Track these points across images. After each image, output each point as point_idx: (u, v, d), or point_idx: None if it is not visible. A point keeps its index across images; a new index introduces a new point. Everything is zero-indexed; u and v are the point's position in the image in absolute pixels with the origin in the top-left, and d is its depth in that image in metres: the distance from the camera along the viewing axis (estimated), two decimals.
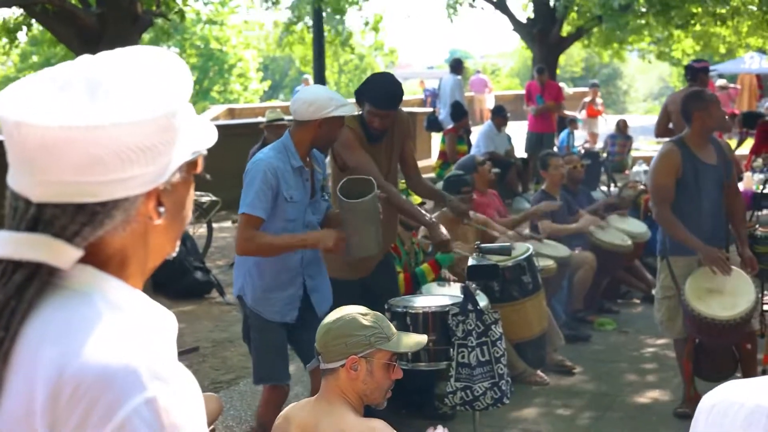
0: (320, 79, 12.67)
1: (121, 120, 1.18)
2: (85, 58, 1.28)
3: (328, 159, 4.94)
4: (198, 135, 1.33)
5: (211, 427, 4.56)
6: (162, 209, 1.28)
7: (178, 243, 1.39)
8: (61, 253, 1.21)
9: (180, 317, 6.93)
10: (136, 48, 1.31)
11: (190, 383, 1.26)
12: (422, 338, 3.20)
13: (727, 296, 5.38)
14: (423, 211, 5.26)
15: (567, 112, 17.87)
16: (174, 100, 1.25)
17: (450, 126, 12.66)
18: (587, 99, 20.47)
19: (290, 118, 4.55)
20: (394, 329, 3.08)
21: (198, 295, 7.73)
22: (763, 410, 1.86)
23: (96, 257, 1.26)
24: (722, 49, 23.00)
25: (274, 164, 4.23)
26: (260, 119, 17.04)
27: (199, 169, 1.36)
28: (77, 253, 1.22)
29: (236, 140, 10.18)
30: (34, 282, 1.22)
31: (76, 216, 1.21)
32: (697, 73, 9.37)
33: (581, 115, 19.50)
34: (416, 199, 6.20)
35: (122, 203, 1.23)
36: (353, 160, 4.87)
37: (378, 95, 4.92)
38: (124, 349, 1.19)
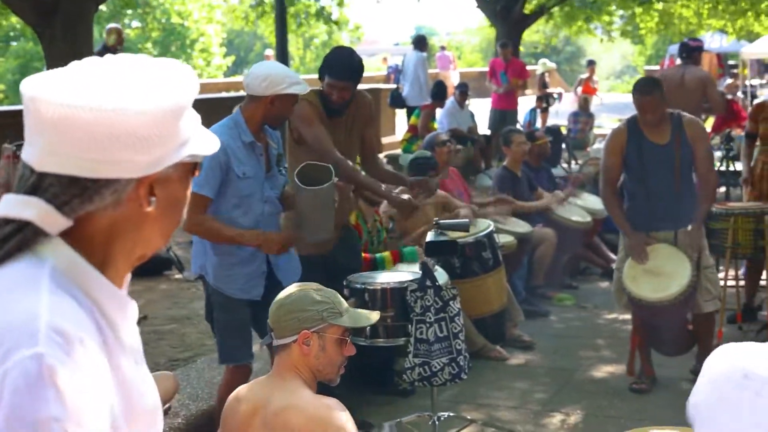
0: (282, 54, 12.54)
1: (124, 107, 1.30)
2: (109, 56, 1.41)
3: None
4: (198, 141, 1.43)
5: (167, 405, 4.54)
6: (153, 199, 1.38)
7: (169, 240, 1.47)
8: (49, 218, 1.32)
9: (138, 294, 6.88)
10: (153, 58, 1.43)
11: (102, 370, 1.29)
12: (374, 314, 3.19)
13: (663, 278, 5.42)
14: (379, 183, 5.23)
15: (549, 90, 17.94)
16: (175, 99, 1.37)
17: (427, 102, 12.64)
18: (584, 76, 20.43)
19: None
20: (347, 305, 3.07)
21: (156, 271, 7.66)
22: (742, 369, 1.91)
23: (82, 231, 1.35)
24: (683, 29, 23.15)
25: (224, 141, 4.14)
26: (223, 95, 16.98)
27: (197, 174, 1.46)
28: (65, 222, 1.33)
29: (198, 115, 10.09)
30: (17, 236, 1.33)
31: (69, 187, 1.32)
32: (692, 51, 9.43)
33: (577, 92, 19.52)
34: None
35: (113, 184, 1.33)
36: (310, 134, 4.83)
37: (335, 66, 4.90)
38: (34, 310, 1.26)
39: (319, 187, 4.27)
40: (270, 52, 23.80)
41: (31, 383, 1.20)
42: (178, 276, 7.65)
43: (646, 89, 5.46)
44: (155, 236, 1.44)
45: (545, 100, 17.51)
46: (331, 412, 2.84)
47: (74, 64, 1.38)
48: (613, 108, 20.44)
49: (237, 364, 4.34)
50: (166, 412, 4.59)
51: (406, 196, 5.24)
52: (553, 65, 22.15)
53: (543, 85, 19.61)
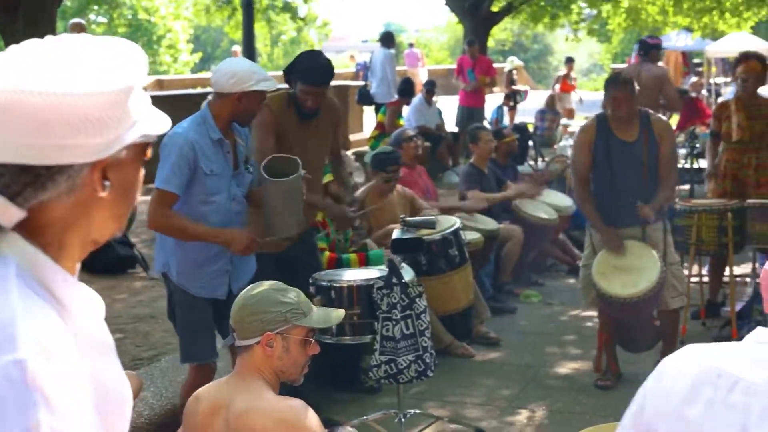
0: (249, 50, 12.48)
1: (72, 90, 1.26)
2: (51, 37, 1.37)
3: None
4: (149, 121, 1.40)
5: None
6: (107, 183, 1.34)
7: (124, 224, 1.44)
8: (2, 210, 1.27)
9: (101, 292, 6.78)
10: (99, 37, 1.40)
11: (78, 367, 1.27)
12: (339, 313, 3.17)
13: (632, 275, 5.45)
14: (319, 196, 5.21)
15: (516, 87, 17.95)
16: (126, 79, 1.33)
17: (393, 99, 12.62)
18: (561, 73, 20.44)
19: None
20: (311, 305, 3.05)
21: (120, 269, 7.59)
22: (714, 369, 1.93)
23: (37, 222, 1.31)
24: (650, 26, 23.30)
25: (192, 137, 4.14)
26: (190, 91, 16.87)
27: (149, 155, 1.42)
28: (19, 213, 1.29)
29: (164, 112, 10.00)
30: None
31: (20, 176, 1.27)
32: (649, 48, 9.51)
33: (555, 89, 19.55)
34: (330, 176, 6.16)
35: (66, 170, 1.29)
36: (256, 141, 4.73)
37: (310, 72, 4.84)
38: (7, 314, 1.23)
39: (285, 179, 4.25)
40: (237, 48, 23.68)
41: (16, 390, 1.17)
42: (142, 274, 7.58)
43: (618, 85, 5.51)
44: (110, 221, 1.40)
45: (513, 97, 17.55)
46: (297, 413, 2.82)
47: (16, 48, 1.33)
48: (581, 106, 20.49)
49: (200, 363, 4.30)
50: None
51: (342, 209, 5.21)
52: (520, 63, 22.20)
53: (510, 82, 19.66)
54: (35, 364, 1.19)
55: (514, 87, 18.84)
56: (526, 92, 20.08)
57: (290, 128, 4.88)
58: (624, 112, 5.49)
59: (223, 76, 4.19)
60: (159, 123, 1.42)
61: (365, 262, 5.74)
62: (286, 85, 4.99)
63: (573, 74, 20.32)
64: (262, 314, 2.90)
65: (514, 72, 20.39)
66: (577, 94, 20.48)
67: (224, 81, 4.18)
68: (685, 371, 1.97)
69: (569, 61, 20.99)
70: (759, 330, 1.99)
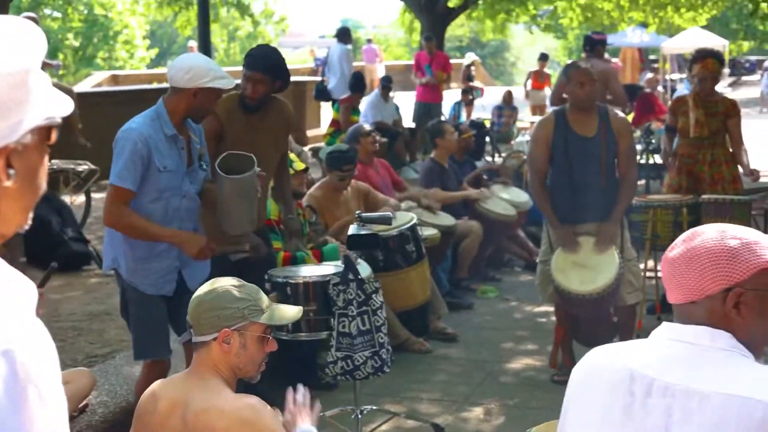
0: (205, 46, 12.38)
1: None
2: None
3: None
4: (52, 103, 1.33)
5: (84, 402, 4.44)
6: (12, 171, 1.26)
7: (31, 215, 1.36)
8: None
9: (56, 289, 6.73)
10: None
11: (48, 344, 1.25)
12: (297, 310, 3.14)
13: (590, 271, 5.47)
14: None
15: (476, 84, 17.99)
16: (26, 59, 1.26)
17: (345, 95, 12.58)
18: (533, 69, 20.46)
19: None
20: (268, 301, 3.02)
21: (75, 266, 7.50)
22: (627, 372, 1.92)
23: None
24: (606, 21, 23.49)
25: (145, 133, 4.09)
26: (146, 87, 16.72)
27: (53, 139, 1.34)
28: None
29: (119, 108, 9.89)
30: None
31: None
32: (595, 44, 9.59)
33: (527, 86, 19.59)
34: (300, 165, 6.13)
35: None
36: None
37: (251, 57, 4.84)
38: None
39: (240, 176, 4.21)
40: (193, 43, 23.51)
41: (9, 381, 1.14)
42: (97, 271, 7.50)
43: (581, 66, 5.61)
44: (16, 212, 1.31)
45: (470, 92, 17.60)
46: (256, 412, 2.79)
47: None
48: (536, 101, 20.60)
49: (154, 360, 4.26)
50: (83, 410, 4.49)
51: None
52: (477, 58, 22.30)
53: (468, 78, 19.72)
54: (22, 354, 1.16)
55: (471, 83, 18.91)
56: (482, 90, 20.16)
57: (239, 127, 4.84)
58: (586, 92, 5.47)
59: (179, 71, 4.14)
60: (62, 105, 1.35)
61: (320, 258, 5.72)
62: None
63: (547, 70, 20.23)
64: (220, 310, 2.87)
65: (472, 68, 20.48)
66: (551, 89, 20.47)
67: (180, 76, 4.14)
68: (601, 377, 1.96)
69: (543, 58, 20.87)
70: (665, 325, 1.98)
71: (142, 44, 36.62)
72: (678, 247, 1.97)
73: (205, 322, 2.88)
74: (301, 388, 3.05)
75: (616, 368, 1.94)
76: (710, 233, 1.93)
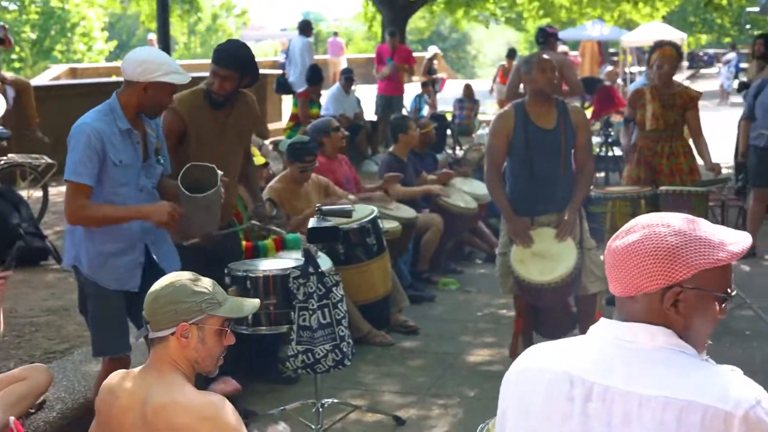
0: (165, 39, 12.28)
1: None
2: None
3: None
4: None
5: (41, 398, 4.39)
6: None
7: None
8: None
9: (13, 285, 6.62)
10: None
11: None
12: (255, 303, 3.13)
13: (549, 261, 5.52)
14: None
15: (435, 76, 17.96)
16: None
17: (303, 88, 12.53)
18: (503, 62, 20.42)
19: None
20: (226, 295, 3.01)
21: (32, 261, 7.41)
22: (566, 375, 1.89)
23: None
24: (564, 17, 23.63)
25: (99, 127, 4.04)
26: (104, 80, 16.55)
27: None
28: None
29: (77, 101, 9.77)
30: None
31: None
32: (548, 36, 9.68)
33: (495, 81, 19.59)
34: (260, 159, 6.10)
35: None
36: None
37: (220, 53, 4.80)
38: None
39: (204, 194, 4.19)
40: (153, 36, 23.30)
41: None
42: (55, 266, 7.42)
43: (543, 56, 5.66)
44: None
45: (432, 85, 17.60)
46: (214, 407, 2.78)
47: None
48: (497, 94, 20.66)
49: (113, 357, 4.22)
50: (40, 406, 4.44)
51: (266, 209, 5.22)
52: (439, 51, 22.34)
53: (430, 71, 19.73)
54: None
55: (432, 76, 18.92)
56: (443, 80, 20.16)
57: (203, 123, 4.80)
58: (547, 79, 5.51)
59: (132, 64, 4.11)
60: None
61: (282, 246, 5.70)
62: (203, 74, 4.92)
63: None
64: (177, 304, 2.85)
65: (434, 61, 20.49)
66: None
67: (132, 69, 4.10)
68: (539, 381, 1.92)
69: (510, 55, 20.76)
70: (603, 322, 1.95)
71: (101, 36, 36.22)
72: (621, 238, 1.92)
73: (162, 317, 2.86)
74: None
75: (554, 371, 1.90)
76: (655, 226, 1.88)
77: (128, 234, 4.19)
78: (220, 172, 4.27)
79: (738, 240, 1.88)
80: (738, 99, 9.99)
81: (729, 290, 1.90)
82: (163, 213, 4.10)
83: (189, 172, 4.25)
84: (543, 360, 1.96)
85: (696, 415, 1.74)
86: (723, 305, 1.89)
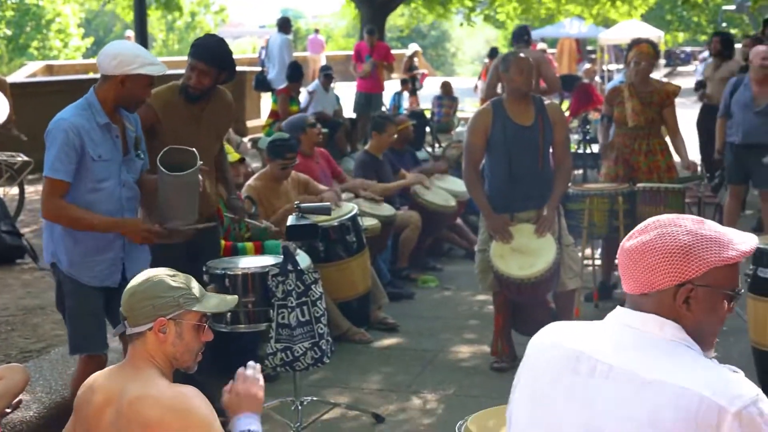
0: (142, 35, 12.22)
1: None
2: None
3: None
4: None
5: (18, 398, 4.35)
6: None
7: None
8: None
9: None
10: None
11: None
12: (233, 298, 3.12)
13: (529, 256, 5.54)
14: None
15: (418, 71, 17.97)
16: None
17: (283, 86, 12.51)
18: (486, 61, 20.42)
19: None
20: (203, 290, 3.00)
21: (8, 260, 7.36)
22: (575, 352, 1.98)
23: None
24: (542, 14, 23.70)
25: (77, 123, 4.02)
26: (81, 77, 16.44)
27: None
28: None
29: (54, 98, 9.69)
30: None
31: None
32: (523, 35, 9.82)
33: (479, 80, 19.62)
34: (234, 156, 6.08)
35: None
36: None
37: (198, 47, 4.78)
38: None
39: (183, 173, 4.17)
40: (130, 33, 23.18)
41: None
42: (32, 265, 7.37)
43: (519, 55, 5.66)
44: None
45: (412, 82, 17.62)
46: (189, 401, 2.77)
47: None
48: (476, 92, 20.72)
49: (90, 355, 4.19)
50: (17, 406, 4.40)
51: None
52: (419, 48, 22.39)
53: (410, 67, 19.77)
54: None
55: (413, 72, 18.96)
56: (423, 75, 20.19)
57: (178, 118, 4.77)
58: (525, 78, 5.53)
59: (107, 58, 4.09)
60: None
61: (261, 251, 5.68)
62: (181, 71, 4.89)
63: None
64: (154, 299, 2.84)
65: (415, 58, 20.54)
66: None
67: (107, 63, 4.09)
68: (552, 353, 2.02)
69: (492, 54, 20.73)
70: (619, 310, 2.01)
71: (77, 33, 35.99)
72: (635, 237, 1.98)
73: (140, 312, 2.85)
74: (252, 363, 3.03)
75: (566, 346, 2.00)
76: (667, 226, 1.95)
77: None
78: (200, 162, 4.25)
79: (745, 240, 1.95)
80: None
81: (737, 288, 1.96)
82: (138, 233, 4.11)
83: (169, 154, 4.23)
84: (557, 337, 2.05)
85: (692, 404, 1.80)
86: (731, 303, 1.97)
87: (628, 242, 1.99)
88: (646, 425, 1.82)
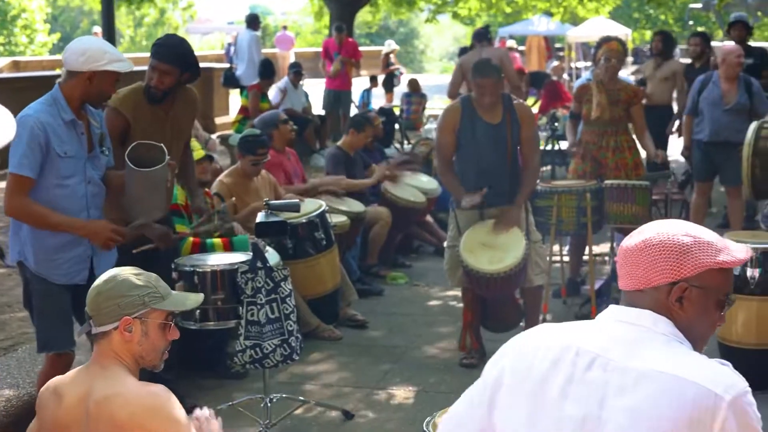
0: (110, 31, 12.13)
1: None
2: None
3: None
4: None
5: None
6: None
7: None
8: None
9: None
10: None
11: None
12: (198, 297, 3.12)
13: (498, 251, 5.58)
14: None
15: (395, 67, 17.97)
16: None
17: (254, 82, 12.47)
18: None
19: None
20: (169, 288, 2.99)
21: None
22: (573, 347, 2.00)
23: None
24: (507, 10, 23.79)
25: (43, 119, 3.99)
26: (48, 73, 16.28)
27: None
28: None
29: (21, 94, 9.59)
30: None
31: None
32: (482, 34, 9.94)
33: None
34: (200, 153, 6.05)
35: None
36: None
37: (158, 47, 4.76)
38: None
39: (151, 169, 4.15)
40: (98, 29, 23.00)
41: None
42: None
43: (484, 72, 5.60)
44: None
45: (390, 79, 17.65)
46: (158, 399, 2.76)
47: None
48: (445, 89, 20.74)
49: (57, 353, 4.17)
50: None
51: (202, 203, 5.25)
52: (396, 47, 22.42)
53: (387, 64, 19.83)
54: None
55: (391, 68, 19.01)
56: (401, 73, 20.23)
57: (145, 119, 4.74)
58: (487, 99, 5.59)
59: (74, 54, 4.07)
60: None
61: (230, 247, 5.67)
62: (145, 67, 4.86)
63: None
64: (119, 298, 2.82)
65: (392, 55, 20.58)
66: None
67: (75, 59, 4.06)
68: (545, 350, 2.03)
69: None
70: (613, 308, 2.07)
71: (43, 29, 35.65)
72: (634, 237, 2.05)
73: (105, 312, 2.84)
74: (206, 409, 2.99)
75: (563, 344, 2.03)
76: (668, 227, 2.02)
77: None
78: (168, 158, 4.24)
79: (741, 248, 2.03)
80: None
81: (730, 295, 2.03)
82: (101, 237, 4.09)
83: (136, 150, 4.22)
84: (552, 333, 2.08)
85: (688, 392, 1.85)
86: (722, 312, 2.03)
87: (627, 242, 2.05)
88: (645, 415, 1.86)
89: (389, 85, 18.71)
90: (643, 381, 1.89)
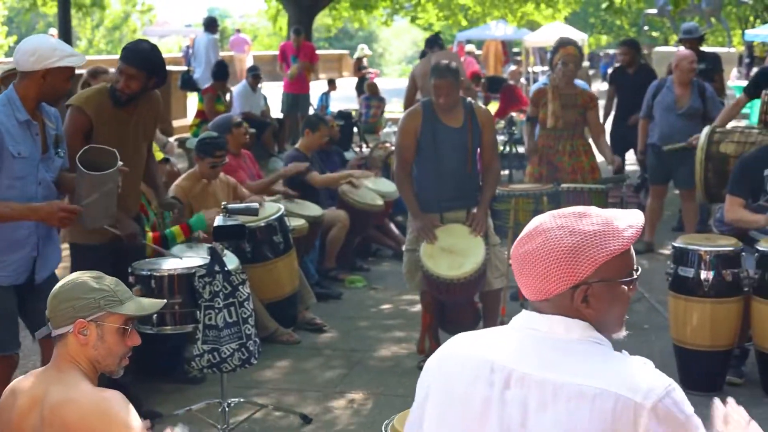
0: (66, 33, 12.03)
1: None
2: None
3: None
4: None
5: None
6: None
7: None
8: None
9: None
10: None
11: None
12: (158, 302, 3.10)
13: (458, 256, 5.60)
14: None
15: (367, 70, 18.01)
16: None
17: (208, 84, 12.41)
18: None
19: None
20: (130, 293, 2.97)
21: None
22: (487, 362, 1.95)
23: None
24: (464, 22, 23.95)
25: None
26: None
27: None
28: None
29: None
30: None
31: None
32: (433, 41, 10.12)
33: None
34: (159, 155, 6.01)
35: None
36: (68, 146, 4.46)
37: (126, 52, 4.74)
38: None
39: (101, 173, 4.13)
40: (54, 31, 22.78)
41: None
42: None
43: (441, 73, 5.62)
44: None
45: (361, 82, 17.69)
46: (110, 404, 2.73)
47: None
48: (403, 92, 20.77)
49: (2, 355, 4.13)
50: None
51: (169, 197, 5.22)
52: (369, 52, 22.49)
53: (360, 68, 19.89)
54: None
55: (362, 72, 19.06)
56: (372, 75, 20.24)
57: (109, 122, 4.71)
58: (443, 101, 5.61)
59: (24, 54, 4.06)
60: None
61: (188, 231, 5.66)
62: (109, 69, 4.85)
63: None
64: (74, 301, 2.81)
65: (364, 60, 20.65)
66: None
67: (26, 59, 4.05)
68: (461, 367, 1.98)
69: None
70: (524, 314, 2.00)
71: (0, 31, 35.21)
72: (523, 244, 1.97)
73: (61, 314, 2.83)
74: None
75: (476, 359, 1.97)
76: (550, 230, 1.93)
77: (23, 228, 4.13)
78: (120, 163, 4.22)
79: (631, 223, 1.94)
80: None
81: (633, 271, 1.97)
82: (53, 215, 4.05)
83: (89, 153, 4.19)
84: (467, 347, 2.01)
85: (607, 403, 1.81)
86: (632, 286, 1.96)
87: (518, 250, 1.98)
88: (566, 428, 1.82)
89: (362, 89, 18.70)
90: (561, 394, 1.84)
